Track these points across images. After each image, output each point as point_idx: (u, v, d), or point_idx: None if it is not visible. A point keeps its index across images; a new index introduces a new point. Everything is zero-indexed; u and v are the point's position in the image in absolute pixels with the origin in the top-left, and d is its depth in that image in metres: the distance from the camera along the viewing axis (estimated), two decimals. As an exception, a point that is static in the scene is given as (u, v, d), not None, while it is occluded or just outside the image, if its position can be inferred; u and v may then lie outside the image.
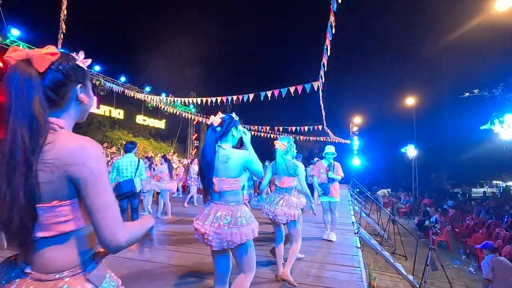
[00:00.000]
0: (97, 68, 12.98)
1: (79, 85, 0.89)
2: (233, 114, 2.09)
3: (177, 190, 8.97)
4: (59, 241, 0.81)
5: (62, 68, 0.83)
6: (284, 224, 3.05)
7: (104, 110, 15.22)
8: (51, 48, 0.83)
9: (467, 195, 17.09)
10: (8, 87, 0.75)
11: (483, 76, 14.55)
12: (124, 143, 5.56)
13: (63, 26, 5.88)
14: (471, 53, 19.17)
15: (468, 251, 8.00)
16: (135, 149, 4.65)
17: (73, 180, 0.78)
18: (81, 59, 0.90)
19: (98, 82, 13.02)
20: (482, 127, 6.23)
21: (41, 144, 0.76)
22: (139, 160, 4.55)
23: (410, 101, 15.19)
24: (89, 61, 0.92)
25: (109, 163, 7.85)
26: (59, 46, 6.57)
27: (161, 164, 6.28)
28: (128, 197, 4.35)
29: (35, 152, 0.75)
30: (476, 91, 9.35)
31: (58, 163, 0.76)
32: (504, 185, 25.03)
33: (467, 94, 9.36)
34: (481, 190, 23.13)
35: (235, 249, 1.86)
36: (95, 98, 13.82)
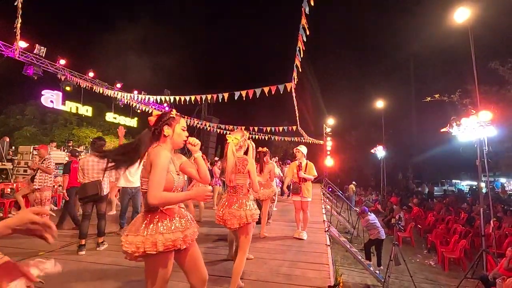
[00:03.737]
0: (62, 61, 12.21)
1: None
2: (173, 112, 1.87)
3: None
4: None
5: None
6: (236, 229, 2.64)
7: (70, 106, 14.32)
8: None
9: (429, 193, 18.27)
10: None
11: (444, 82, 15.64)
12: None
13: (19, 18, 5.45)
14: (434, 61, 20.51)
15: (429, 246, 8.53)
16: (104, 146, 4.29)
17: None
18: None
19: (64, 77, 12.25)
20: (442, 130, 6.67)
21: None
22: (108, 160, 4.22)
23: (380, 104, 15.92)
24: None
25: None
26: (17, 37, 6.12)
27: None
28: (93, 201, 4.06)
29: None
30: (436, 96, 10.07)
31: None
32: (461, 184, 27.10)
33: (429, 98, 10.05)
34: (443, 188, 24.89)
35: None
36: (59, 93, 13.03)
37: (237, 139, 2.76)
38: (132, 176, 4.74)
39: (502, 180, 22.13)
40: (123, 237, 1.66)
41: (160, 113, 1.84)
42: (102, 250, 3.98)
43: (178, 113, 1.87)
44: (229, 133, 2.93)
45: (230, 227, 2.63)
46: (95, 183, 3.99)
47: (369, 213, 7.17)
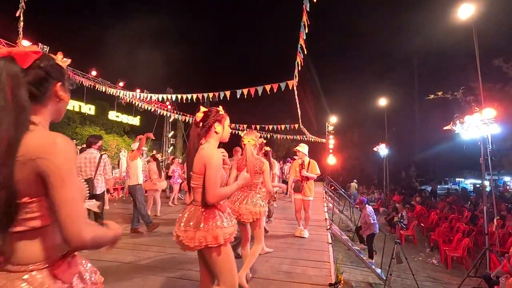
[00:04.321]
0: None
1: (59, 82, 0.92)
2: (219, 108, 1.92)
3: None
4: (29, 236, 0.83)
5: (44, 65, 0.88)
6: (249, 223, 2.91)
7: (73, 105, 14.44)
8: (34, 47, 0.88)
9: (433, 191, 18.17)
10: None
11: (447, 80, 15.53)
12: None
13: (22, 17, 5.48)
14: (437, 58, 20.35)
15: (432, 244, 8.49)
16: (98, 143, 4.24)
17: (40, 174, 0.79)
18: (60, 59, 0.94)
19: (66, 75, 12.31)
20: (445, 128, 6.61)
21: (22, 138, 0.78)
22: (101, 156, 4.14)
23: (382, 102, 15.84)
24: (68, 61, 0.97)
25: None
26: (20, 36, 6.15)
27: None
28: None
29: (17, 147, 0.77)
30: (440, 93, 10.00)
31: (24, 159, 0.77)
32: (465, 182, 26.94)
33: (432, 96, 9.99)
34: (446, 187, 24.77)
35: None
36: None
37: (254, 139, 2.90)
38: (140, 174, 4.88)
39: (506, 178, 21.95)
40: (181, 233, 1.73)
41: (206, 109, 1.88)
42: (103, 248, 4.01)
43: (224, 111, 1.93)
44: (242, 134, 3.08)
45: (245, 221, 2.85)
46: (87, 181, 3.93)
47: (367, 205, 7.35)
